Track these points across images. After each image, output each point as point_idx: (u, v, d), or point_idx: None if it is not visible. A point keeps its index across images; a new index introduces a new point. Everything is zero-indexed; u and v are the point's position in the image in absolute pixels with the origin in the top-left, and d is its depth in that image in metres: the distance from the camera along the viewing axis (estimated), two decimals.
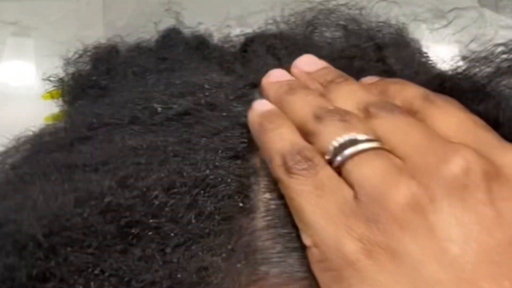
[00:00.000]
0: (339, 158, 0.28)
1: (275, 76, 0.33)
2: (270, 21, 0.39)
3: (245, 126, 0.31)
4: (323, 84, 0.33)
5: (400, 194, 0.26)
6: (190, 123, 0.31)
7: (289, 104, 0.31)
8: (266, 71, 0.34)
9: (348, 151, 0.28)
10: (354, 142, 0.28)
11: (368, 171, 0.27)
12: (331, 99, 0.31)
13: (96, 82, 0.37)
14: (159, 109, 0.31)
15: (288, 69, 0.34)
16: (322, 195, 0.27)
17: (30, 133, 0.34)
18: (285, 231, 0.29)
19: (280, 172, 0.29)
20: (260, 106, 0.32)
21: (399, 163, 0.27)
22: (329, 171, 0.28)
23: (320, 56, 0.34)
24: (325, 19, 0.38)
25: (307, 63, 0.34)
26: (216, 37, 0.39)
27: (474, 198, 0.25)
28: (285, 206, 0.29)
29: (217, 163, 0.30)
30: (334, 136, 0.28)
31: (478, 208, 0.25)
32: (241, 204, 0.29)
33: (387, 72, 0.35)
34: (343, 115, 0.29)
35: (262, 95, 0.33)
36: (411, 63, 0.36)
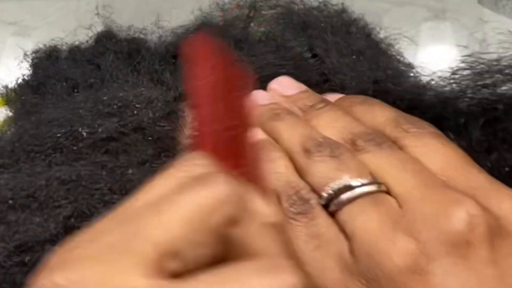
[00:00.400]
0: (334, 204, 0.28)
1: (257, 98, 0.33)
2: (204, 14, 0.38)
3: (171, 151, 0.30)
4: (302, 109, 0.32)
5: (398, 255, 0.25)
6: (116, 151, 0.29)
7: (277, 132, 0.31)
8: None
9: (344, 197, 0.28)
10: (349, 188, 0.28)
11: (363, 223, 0.27)
12: (313, 127, 0.31)
13: (27, 99, 0.36)
14: (84, 134, 0.30)
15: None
16: (319, 247, 0.27)
17: None
18: None
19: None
20: (251, 136, 0.31)
21: (395, 212, 0.26)
22: (325, 219, 0.27)
23: (256, 51, 0.33)
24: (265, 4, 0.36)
25: (284, 85, 0.33)
26: (153, 38, 0.38)
27: (477, 256, 0.25)
28: None
29: None
30: (327, 180, 0.28)
31: (481, 267, 0.25)
32: None
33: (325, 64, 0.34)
34: (333, 150, 0.28)
35: None
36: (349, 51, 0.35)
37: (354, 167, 0.28)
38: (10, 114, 0.39)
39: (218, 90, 0.27)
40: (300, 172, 0.29)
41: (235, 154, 0.27)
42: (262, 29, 0.37)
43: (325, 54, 0.34)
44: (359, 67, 0.34)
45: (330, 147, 0.28)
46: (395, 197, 0.27)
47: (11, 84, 0.39)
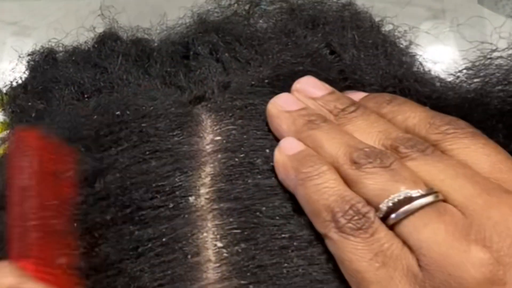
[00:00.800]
0: (393, 217, 0.26)
1: (284, 103, 0.30)
2: (209, 8, 0.37)
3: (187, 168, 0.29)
4: (333, 113, 0.30)
5: (474, 266, 0.24)
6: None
7: (316, 142, 0.29)
8: (211, 80, 0.31)
9: (404, 209, 0.26)
10: (409, 199, 0.26)
11: (430, 235, 0.25)
12: (350, 133, 0.29)
13: (32, 105, 0.35)
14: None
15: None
16: (384, 264, 0.25)
17: None
18: (244, 282, 0.25)
19: (329, 229, 0.26)
20: (290, 146, 0.28)
21: (461, 221, 0.25)
22: (386, 233, 0.26)
23: (269, 49, 0.32)
24: None
25: (310, 86, 0.31)
26: (156, 39, 0.38)
27: None
28: (238, 253, 0.26)
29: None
30: (384, 192, 0.26)
31: None
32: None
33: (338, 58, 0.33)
34: (383, 160, 0.27)
35: (272, 125, 0.30)
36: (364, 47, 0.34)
37: (409, 177, 0.27)
38: (4, 118, 0.38)
39: (33, 185, 0.27)
40: (349, 184, 0.27)
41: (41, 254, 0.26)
42: (265, 25, 0.36)
43: (343, 50, 0.33)
44: (378, 62, 0.33)
45: (379, 157, 0.27)
46: (454, 206, 0.26)
47: (5, 87, 0.38)
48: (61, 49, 0.38)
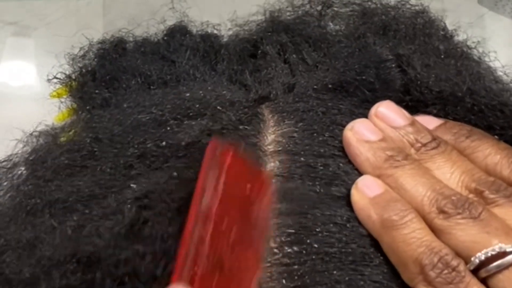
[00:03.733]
0: (485, 271, 0.25)
1: (363, 130, 0.29)
2: (275, 10, 0.37)
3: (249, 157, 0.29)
4: (414, 147, 0.29)
5: None
6: (196, 158, 0.28)
7: (398, 184, 0.28)
8: (277, 81, 0.31)
9: (497, 264, 0.25)
10: (503, 254, 0.25)
11: None
12: (432, 173, 0.28)
13: (99, 93, 0.35)
14: (164, 142, 0.29)
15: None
16: None
17: (34, 138, 0.33)
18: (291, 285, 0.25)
19: (417, 282, 0.25)
20: (370, 188, 0.27)
21: None
22: (479, 287, 0.25)
23: (337, 54, 0.31)
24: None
25: (392, 114, 0.30)
26: (225, 35, 0.37)
27: None
28: (290, 255, 0.25)
29: None
30: (475, 245, 0.25)
31: None
32: None
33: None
34: (471, 211, 0.26)
35: (349, 152, 0.29)
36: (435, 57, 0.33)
37: (501, 229, 0.26)
38: (73, 104, 0.38)
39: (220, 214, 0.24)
40: (437, 234, 0.27)
41: None
42: (337, 27, 0.35)
43: (411, 61, 0.32)
44: (447, 75, 0.32)
45: (468, 208, 0.27)
46: None
47: (74, 73, 0.38)
48: (131, 39, 0.38)
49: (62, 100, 0.40)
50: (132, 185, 0.27)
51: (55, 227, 0.26)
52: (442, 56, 0.33)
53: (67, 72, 0.38)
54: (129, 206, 0.25)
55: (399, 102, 0.31)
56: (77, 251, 0.25)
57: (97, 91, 0.35)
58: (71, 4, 0.82)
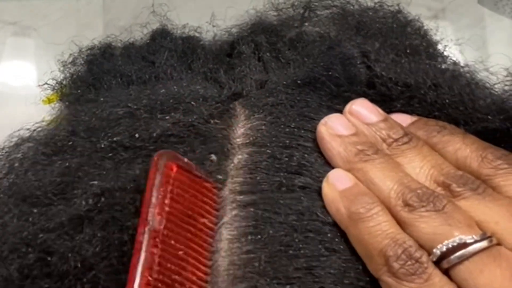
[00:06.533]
0: (447, 262, 0.26)
1: (336, 125, 0.30)
2: (259, 13, 0.37)
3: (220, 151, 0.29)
4: (386, 142, 0.30)
5: None
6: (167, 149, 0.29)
7: (367, 177, 0.28)
8: (250, 78, 0.32)
9: (458, 255, 0.25)
10: (464, 245, 0.26)
11: (487, 281, 0.25)
12: (401, 167, 0.29)
13: (83, 95, 0.36)
14: (137, 135, 0.29)
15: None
16: None
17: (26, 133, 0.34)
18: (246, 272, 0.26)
19: (382, 273, 0.26)
20: (340, 180, 0.28)
21: None
22: (441, 278, 0.25)
23: (309, 52, 0.32)
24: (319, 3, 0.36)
25: (366, 111, 0.30)
26: (208, 36, 0.39)
27: None
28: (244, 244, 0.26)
29: None
30: (437, 237, 0.26)
31: None
32: None
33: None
34: (435, 204, 0.27)
35: (322, 147, 0.29)
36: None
37: (463, 221, 0.26)
38: (64, 109, 0.39)
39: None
40: (402, 226, 0.27)
41: None
42: (317, 29, 0.36)
43: (377, 57, 0.33)
44: (416, 71, 0.32)
45: (432, 201, 0.27)
46: (509, 249, 0.26)
47: (66, 79, 0.40)
48: (119, 44, 0.40)
49: (53, 106, 0.40)
50: (92, 182, 0.28)
51: (16, 217, 0.27)
52: (409, 52, 0.33)
53: (58, 79, 0.39)
54: (84, 202, 0.26)
55: (364, 96, 0.32)
56: (31, 238, 0.26)
57: (81, 94, 0.36)
58: (71, 4, 0.82)
